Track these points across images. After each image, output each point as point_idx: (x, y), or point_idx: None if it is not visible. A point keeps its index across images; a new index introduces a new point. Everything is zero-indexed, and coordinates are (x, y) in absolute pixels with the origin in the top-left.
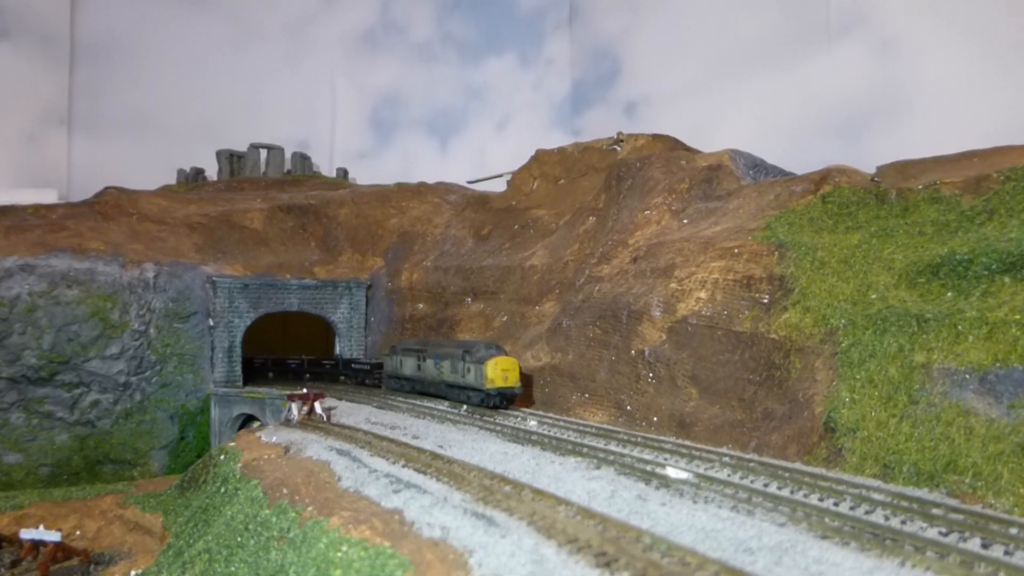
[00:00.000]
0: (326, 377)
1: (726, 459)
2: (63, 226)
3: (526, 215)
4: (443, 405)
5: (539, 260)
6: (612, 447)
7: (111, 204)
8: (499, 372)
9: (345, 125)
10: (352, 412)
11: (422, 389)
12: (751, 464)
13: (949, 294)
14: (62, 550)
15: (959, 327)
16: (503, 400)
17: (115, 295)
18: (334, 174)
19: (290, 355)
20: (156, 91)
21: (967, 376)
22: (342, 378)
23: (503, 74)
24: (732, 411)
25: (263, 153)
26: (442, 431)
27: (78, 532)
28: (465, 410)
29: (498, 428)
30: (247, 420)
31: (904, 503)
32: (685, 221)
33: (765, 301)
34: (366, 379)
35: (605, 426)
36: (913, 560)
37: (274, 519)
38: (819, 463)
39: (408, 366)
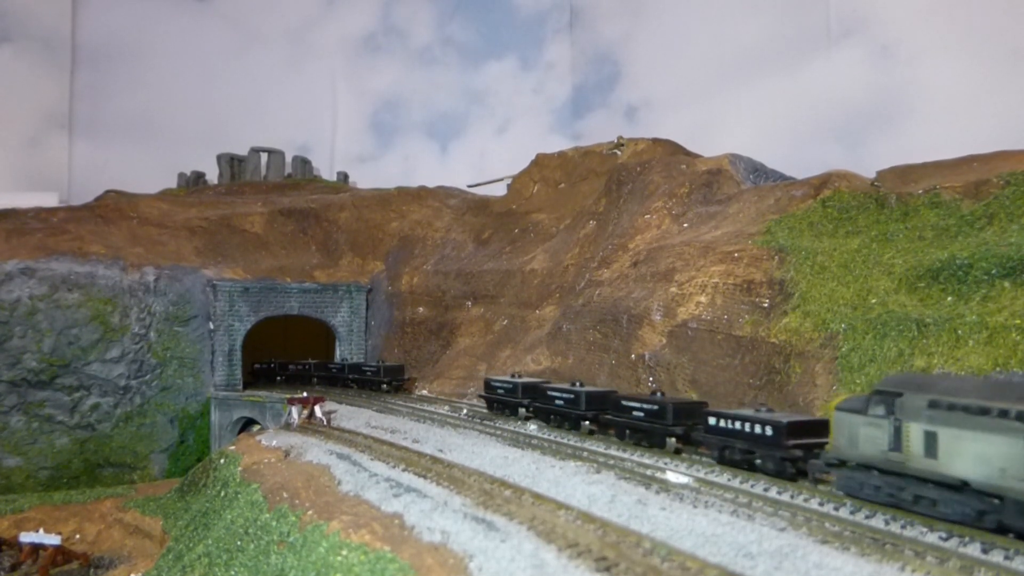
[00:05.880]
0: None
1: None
2: (64, 230)
3: (526, 219)
4: (443, 408)
5: (539, 264)
6: (612, 451)
7: (112, 208)
8: None
9: (346, 129)
10: (352, 416)
11: None
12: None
13: (949, 299)
14: (62, 554)
15: (959, 331)
16: None
17: (115, 299)
18: (334, 178)
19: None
20: (157, 95)
21: None
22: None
23: (504, 78)
24: None
25: (264, 157)
26: (442, 435)
27: (78, 536)
28: (465, 413)
29: (498, 432)
30: (247, 424)
31: (904, 507)
32: (685, 225)
33: (765, 305)
34: (756, 456)
35: None
36: (913, 565)
37: (274, 523)
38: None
39: (975, 457)
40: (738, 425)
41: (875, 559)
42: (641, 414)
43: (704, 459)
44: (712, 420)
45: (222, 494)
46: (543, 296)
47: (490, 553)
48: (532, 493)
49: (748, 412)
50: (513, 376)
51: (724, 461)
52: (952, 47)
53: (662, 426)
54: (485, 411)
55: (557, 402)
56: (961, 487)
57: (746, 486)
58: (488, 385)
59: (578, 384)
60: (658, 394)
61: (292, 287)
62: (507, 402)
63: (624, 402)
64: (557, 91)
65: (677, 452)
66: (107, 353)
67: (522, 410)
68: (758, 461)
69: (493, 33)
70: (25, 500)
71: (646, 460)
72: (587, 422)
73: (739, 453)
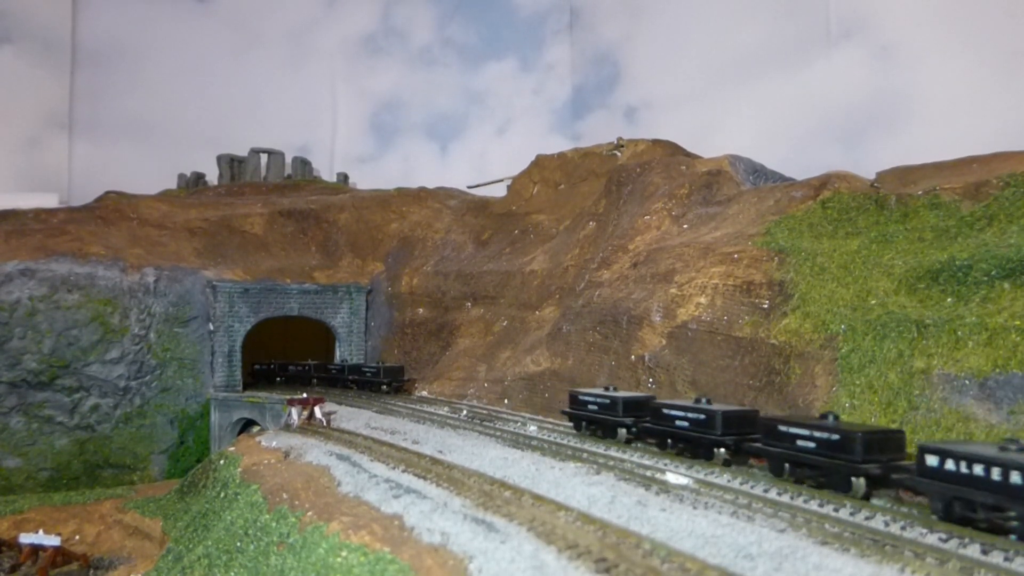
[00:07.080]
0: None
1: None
2: (64, 230)
3: (526, 220)
4: (443, 409)
5: (539, 265)
6: (612, 452)
7: (112, 208)
8: None
9: (346, 130)
10: (352, 417)
11: None
12: (751, 469)
13: (949, 300)
14: (61, 555)
15: (959, 333)
16: None
17: (115, 299)
18: (334, 179)
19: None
20: (157, 95)
21: (967, 382)
22: None
23: (503, 79)
24: None
25: (264, 158)
26: (442, 436)
27: (77, 537)
28: (465, 415)
29: (498, 433)
30: (247, 425)
31: (903, 508)
32: (685, 226)
33: (765, 306)
34: None
35: None
36: (913, 566)
37: (274, 524)
38: None
39: None
40: (979, 470)
41: (875, 560)
42: (811, 444)
43: (914, 510)
44: (932, 459)
45: (222, 495)
46: (543, 297)
47: (490, 554)
48: (532, 494)
49: (991, 451)
50: (608, 389)
51: (952, 518)
52: (952, 48)
53: (846, 462)
54: (488, 417)
55: (679, 423)
56: None
57: (746, 487)
58: (575, 400)
59: (704, 400)
60: (831, 417)
61: (292, 288)
62: (602, 421)
63: (783, 428)
64: (557, 92)
65: (866, 498)
66: (107, 354)
67: (623, 431)
68: (1015, 523)
69: (493, 34)
70: (25, 501)
71: (646, 461)
72: (722, 449)
73: (983, 510)
